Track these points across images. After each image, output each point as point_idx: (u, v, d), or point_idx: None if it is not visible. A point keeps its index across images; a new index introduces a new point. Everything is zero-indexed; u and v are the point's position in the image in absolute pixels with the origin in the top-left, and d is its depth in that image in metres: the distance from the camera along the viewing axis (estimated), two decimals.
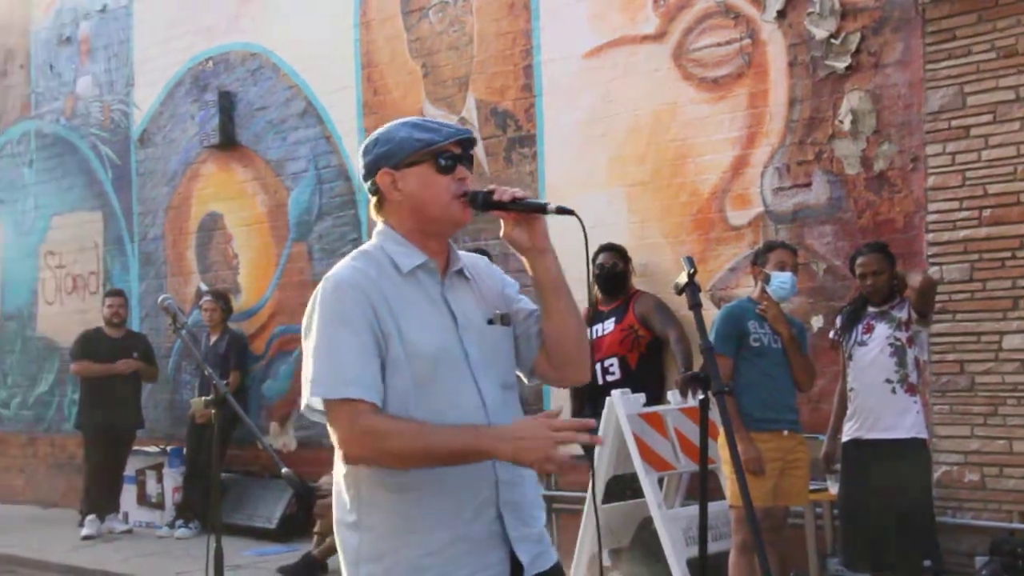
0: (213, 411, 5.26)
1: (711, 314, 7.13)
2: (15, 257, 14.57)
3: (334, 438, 2.95)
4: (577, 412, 8.51)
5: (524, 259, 3.15)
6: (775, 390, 6.89)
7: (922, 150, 7.63)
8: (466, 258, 3.24)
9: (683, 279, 4.15)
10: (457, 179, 3.08)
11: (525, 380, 3.29)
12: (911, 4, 7.69)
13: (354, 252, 3.12)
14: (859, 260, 6.91)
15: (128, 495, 11.97)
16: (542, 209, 3.06)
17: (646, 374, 8.35)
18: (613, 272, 8.54)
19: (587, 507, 7.58)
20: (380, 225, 3.17)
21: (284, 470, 5.04)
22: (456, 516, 2.97)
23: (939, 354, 7.48)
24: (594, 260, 8.40)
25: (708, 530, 4.34)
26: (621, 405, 7.36)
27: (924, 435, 6.81)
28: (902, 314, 6.79)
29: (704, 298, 7.04)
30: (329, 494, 9.97)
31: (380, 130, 3.17)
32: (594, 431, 2.98)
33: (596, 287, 8.50)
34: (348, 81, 10.94)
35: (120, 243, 13.21)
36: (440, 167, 3.06)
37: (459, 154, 3.10)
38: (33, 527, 12.26)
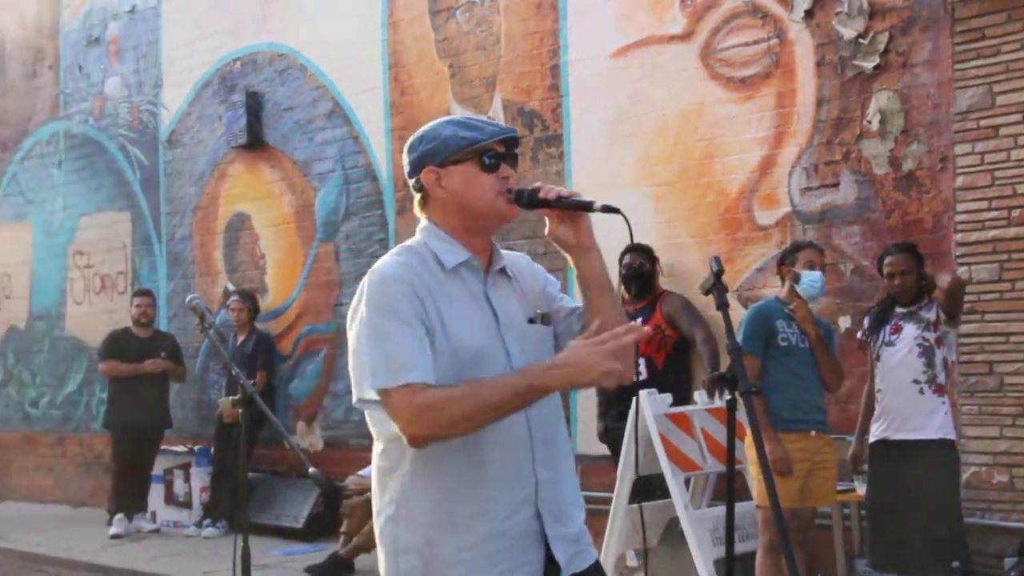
0: (240, 411, 5.28)
1: (738, 314, 7.11)
2: (44, 257, 14.64)
3: (395, 426, 2.94)
4: (603, 411, 8.52)
5: (569, 257, 3.16)
6: (803, 390, 6.87)
7: (951, 150, 7.60)
8: (508, 256, 3.24)
9: (710, 279, 4.14)
10: (501, 177, 3.09)
11: None
12: (940, 3, 7.66)
13: (398, 247, 3.13)
14: (887, 259, 6.89)
15: (156, 494, 12.01)
16: (587, 207, 3.07)
17: (673, 374, 8.35)
18: (640, 272, 8.53)
19: (613, 507, 7.57)
20: (424, 222, 3.18)
21: (311, 470, 5.05)
22: (495, 513, 2.99)
23: (967, 355, 7.45)
24: (620, 260, 8.39)
25: (735, 531, 4.33)
26: (648, 405, 7.35)
27: (952, 436, 6.78)
28: (930, 315, 6.76)
29: (731, 298, 7.02)
30: (355, 494, 9.94)
31: (425, 127, 3.18)
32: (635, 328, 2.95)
33: (623, 287, 8.49)
34: (375, 81, 10.96)
35: (148, 243, 13.26)
36: (484, 165, 3.08)
37: (503, 152, 3.11)
38: (61, 526, 12.31)
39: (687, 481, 7.60)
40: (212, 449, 11.55)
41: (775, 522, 4.05)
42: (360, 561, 9.00)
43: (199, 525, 11.35)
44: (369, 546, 8.85)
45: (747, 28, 8.57)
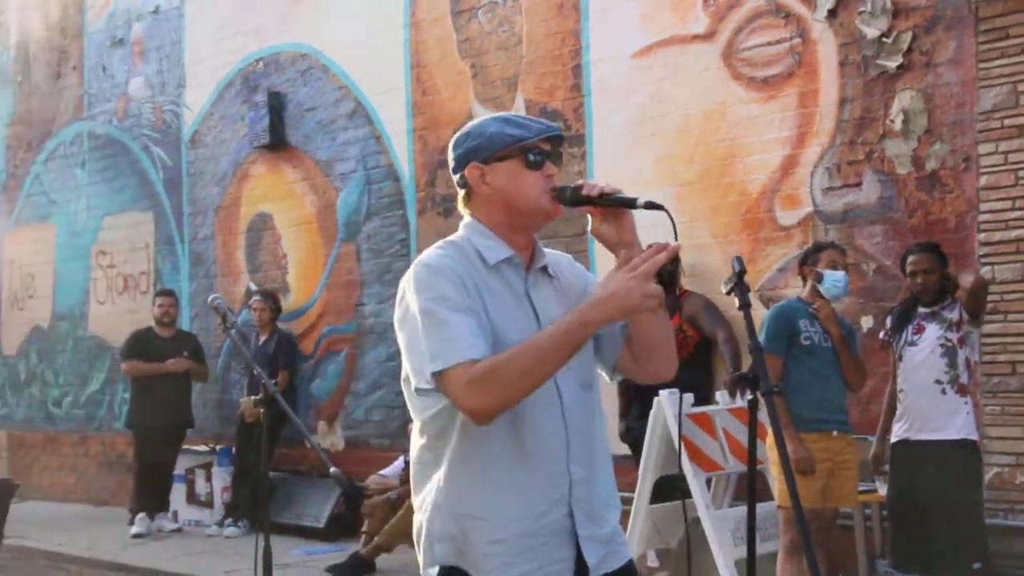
0: (262, 410, 5.28)
1: (760, 314, 7.09)
2: (67, 257, 14.70)
3: (458, 406, 2.94)
4: (624, 411, 8.51)
5: (612, 254, 3.15)
6: (825, 390, 6.85)
7: (974, 149, 7.57)
8: (550, 255, 3.26)
9: (732, 279, 4.13)
10: (546, 175, 3.11)
11: (607, 377, 3.30)
12: (963, 2, 7.63)
13: (441, 242, 3.14)
14: (910, 258, 6.86)
15: (177, 494, 12.04)
16: (630, 204, 3.08)
17: (694, 374, 8.32)
18: (661, 272, 8.49)
19: (634, 507, 7.56)
20: (467, 218, 3.19)
21: (332, 469, 5.04)
22: (528, 510, 3.00)
23: (990, 355, 7.41)
24: None
25: (756, 531, 4.32)
26: (669, 405, 7.34)
27: (974, 436, 6.75)
28: (953, 315, 6.73)
29: (753, 298, 7.01)
30: (376, 493, 9.97)
31: (471, 124, 3.19)
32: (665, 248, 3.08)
33: None
34: (397, 82, 10.96)
35: (171, 243, 13.30)
36: (529, 162, 3.09)
37: (548, 150, 3.13)
38: (84, 525, 12.36)
39: (708, 481, 7.59)
40: (234, 449, 11.57)
41: (796, 522, 4.03)
42: (381, 561, 9.01)
43: (221, 524, 11.39)
44: (390, 546, 8.87)
45: (770, 28, 8.55)
